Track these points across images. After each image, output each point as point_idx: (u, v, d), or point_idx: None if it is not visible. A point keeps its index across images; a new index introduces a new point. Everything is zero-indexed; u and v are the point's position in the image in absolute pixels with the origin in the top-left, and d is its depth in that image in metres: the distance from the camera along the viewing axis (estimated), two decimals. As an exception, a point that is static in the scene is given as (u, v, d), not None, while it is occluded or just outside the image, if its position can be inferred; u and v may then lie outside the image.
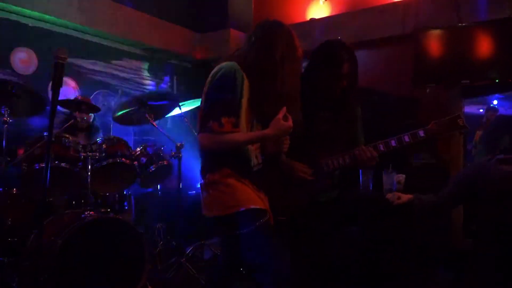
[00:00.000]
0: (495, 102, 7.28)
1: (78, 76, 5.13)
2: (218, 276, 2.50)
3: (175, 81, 6.37)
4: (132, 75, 5.77)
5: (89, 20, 5.05)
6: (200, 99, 2.27)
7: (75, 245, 2.97)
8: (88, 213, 3.19)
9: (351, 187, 3.24)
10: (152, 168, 3.97)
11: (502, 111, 6.82)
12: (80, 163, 3.45)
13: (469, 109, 6.53)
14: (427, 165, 4.06)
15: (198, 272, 3.90)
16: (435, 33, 4.38)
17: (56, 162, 3.33)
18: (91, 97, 5.20)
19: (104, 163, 3.54)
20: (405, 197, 2.81)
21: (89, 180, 3.40)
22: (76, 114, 4.07)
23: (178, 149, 4.21)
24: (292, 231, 2.61)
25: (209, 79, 2.23)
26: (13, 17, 4.55)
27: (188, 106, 4.48)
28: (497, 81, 4.12)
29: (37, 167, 3.31)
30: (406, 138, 2.56)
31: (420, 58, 4.38)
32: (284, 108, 2.19)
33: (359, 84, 2.73)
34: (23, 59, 4.63)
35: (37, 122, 4.30)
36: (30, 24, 4.69)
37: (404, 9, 4.90)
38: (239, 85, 2.13)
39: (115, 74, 5.55)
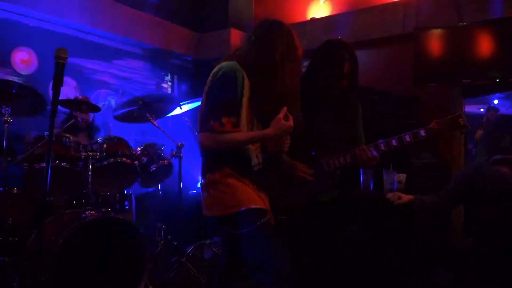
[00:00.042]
0: (495, 101, 7.26)
1: (79, 75, 5.13)
2: (219, 276, 2.50)
3: (175, 80, 6.36)
4: (133, 75, 5.77)
5: (89, 20, 5.06)
6: (201, 98, 2.27)
7: (75, 245, 2.97)
8: (88, 213, 3.19)
9: (351, 186, 3.24)
10: (153, 168, 3.97)
11: (503, 110, 6.80)
12: (80, 163, 3.45)
13: (470, 108, 6.52)
14: (428, 164, 4.06)
15: (199, 272, 3.90)
16: (436, 32, 4.38)
17: (57, 161, 3.33)
18: (92, 96, 5.20)
19: (105, 162, 3.54)
20: (406, 197, 2.81)
21: (89, 179, 3.40)
22: (77, 113, 4.07)
23: (179, 148, 4.21)
24: (292, 231, 2.61)
25: (209, 78, 2.23)
26: (14, 17, 4.55)
27: (188, 105, 4.48)
28: (497, 80, 4.11)
29: (38, 167, 3.32)
30: (407, 138, 2.56)
31: (421, 57, 4.37)
32: (285, 108, 2.18)
33: (360, 83, 2.73)
34: (24, 59, 4.63)
35: (38, 121, 4.31)
36: (30, 24, 4.69)
37: (404, 9, 4.90)
38: (240, 85, 2.13)
39: (116, 73, 5.56)
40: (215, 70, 2.22)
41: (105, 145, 3.57)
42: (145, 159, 3.97)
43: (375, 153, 2.57)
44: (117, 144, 3.68)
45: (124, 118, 4.18)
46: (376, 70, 4.88)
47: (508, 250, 2.36)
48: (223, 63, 2.20)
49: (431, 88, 4.51)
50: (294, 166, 2.61)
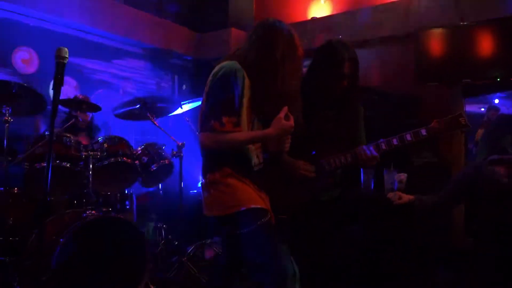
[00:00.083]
0: (496, 101, 7.26)
1: (79, 75, 5.13)
2: (219, 275, 2.50)
3: (176, 80, 6.36)
4: (133, 75, 5.77)
5: (90, 20, 5.06)
6: (201, 98, 2.27)
7: (76, 244, 2.97)
8: (89, 213, 3.20)
9: (352, 186, 3.24)
10: (154, 168, 3.97)
11: (503, 110, 6.79)
12: (81, 163, 3.45)
13: (471, 108, 6.51)
14: (429, 164, 4.06)
15: (199, 272, 3.90)
16: (437, 32, 4.38)
17: (58, 161, 3.33)
18: (92, 96, 5.20)
19: (106, 162, 3.54)
20: (406, 197, 2.81)
21: (90, 179, 3.40)
22: (77, 113, 4.07)
23: (180, 148, 4.21)
24: (293, 230, 2.61)
25: (210, 78, 2.23)
26: (15, 16, 4.55)
27: (189, 105, 4.48)
28: (498, 80, 4.11)
29: (39, 167, 3.32)
30: (408, 137, 2.56)
31: (422, 57, 4.38)
32: (286, 108, 2.18)
33: (360, 83, 2.73)
34: (24, 59, 4.63)
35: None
36: (31, 24, 4.69)
37: (405, 8, 4.90)
38: (240, 85, 2.13)
39: (116, 73, 5.56)
40: (215, 70, 2.22)
41: (105, 145, 3.57)
42: (145, 158, 3.97)
43: (375, 152, 2.56)
44: (117, 144, 3.67)
45: (125, 116, 4.19)
46: (376, 69, 4.88)
47: (508, 250, 2.36)
48: (224, 63, 2.20)
49: (432, 88, 4.52)
50: (295, 164, 2.61)
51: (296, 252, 2.24)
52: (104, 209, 3.49)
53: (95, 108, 3.89)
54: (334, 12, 5.69)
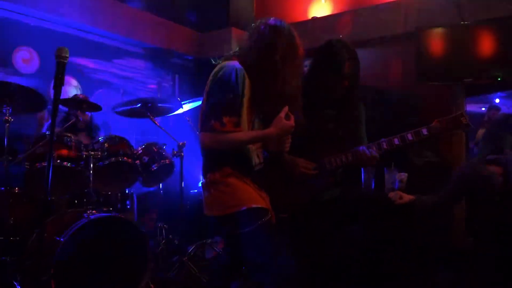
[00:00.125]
0: (497, 100, 7.26)
1: (80, 75, 5.13)
2: (219, 275, 2.50)
3: (176, 80, 6.36)
4: (134, 74, 5.77)
5: (90, 19, 5.06)
6: (202, 98, 2.27)
7: (77, 244, 2.97)
8: (90, 212, 3.20)
9: (353, 185, 3.24)
10: (154, 167, 3.97)
11: (504, 109, 6.79)
12: (82, 162, 3.45)
13: (471, 107, 6.51)
14: (430, 163, 4.06)
15: (200, 271, 3.90)
16: (438, 31, 4.38)
17: (58, 161, 3.34)
18: (93, 96, 5.20)
19: (106, 162, 3.54)
20: (407, 197, 2.81)
21: (91, 179, 3.40)
22: (78, 113, 4.08)
23: (180, 148, 4.21)
24: (293, 229, 2.61)
25: (210, 78, 2.23)
26: (15, 16, 4.55)
27: (190, 105, 4.48)
28: (499, 79, 4.11)
29: (39, 166, 3.32)
30: (410, 136, 2.56)
31: (423, 56, 4.38)
32: (286, 107, 2.18)
33: (361, 82, 2.73)
34: (25, 58, 4.63)
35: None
36: (31, 24, 4.69)
37: (405, 8, 4.90)
38: (241, 84, 2.13)
39: (117, 73, 5.56)
40: (216, 69, 2.22)
41: (106, 145, 3.57)
42: (146, 158, 3.97)
43: (375, 152, 2.57)
44: (118, 144, 3.67)
45: (125, 113, 4.19)
46: (377, 69, 4.88)
47: (508, 250, 2.36)
48: (224, 63, 2.21)
49: (432, 87, 4.52)
50: (296, 162, 2.61)
51: (296, 252, 2.24)
52: (104, 209, 3.49)
53: (96, 108, 3.90)
54: (335, 12, 5.69)
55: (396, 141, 2.57)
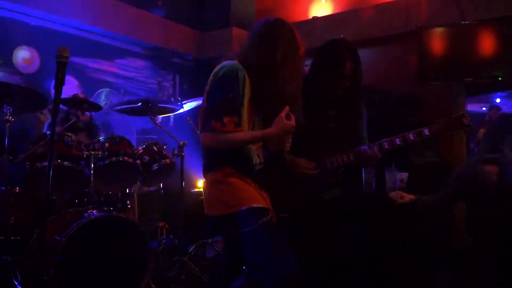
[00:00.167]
0: (498, 100, 7.26)
1: (81, 75, 5.13)
2: (219, 275, 2.50)
3: (177, 79, 6.37)
4: (135, 74, 5.77)
5: (91, 19, 5.06)
6: (202, 97, 2.27)
7: (78, 243, 2.97)
8: (91, 212, 3.20)
9: (353, 185, 3.24)
10: (155, 167, 3.97)
11: (505, 109, 6.79)
12: (82, 162, 3.46)
13: (472, 107, 6.51)
14: (430, 163, 4.06)
15: (201, 271, 3.90)
16: (438, 31, 4.38)
17: (59, 160, 3.34)
18: (94, 95, 5.20)
19: (107, 161, 3.54)
20: (408, 197, 2.81)
21: (91, 178, 3.41)
22: (78, 112, 4.08)
23: (181, 147, 4.21)
24: (293, 229, 2.61)
25: (211, 78, 2.23)
26: (16, 15, 4.55)
27: (190, 104, 4.49)
28: (500, 79, 4.11)
29: (40, 166, 3.32)
30: (411, 137, 2.56)
31: (424, 56, 4.38)
32: (287, 107, 2.18)
33: (362, 82, 2.73)
34: (26, 58, 4.63)
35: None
36: (32, 23, 4.69)
37: (406, 7, 4.90)
38: (241, 84, 2.13)
39: (118, 73, 5.56)
40: (216, 69, 2.22)
41: (107, 144, 3.57)
42: (147, 158, 3.98)
43: (377, 152, 2.57)
44: (119, 143, 3.68)
45: (125, 111, 4.20)
46: (378, 68, 4.88)
47: (508, 250, 2.36)
48: (225, 62, 2.20)
49: (433, 87, 4.51)
50: (296, 162, 2.61)
51: (296, 252, 2.23)
52: (105, 208, 3.49)
53: (96, 108, 3.90)
54: (335, 11, 5.69)
55: (397, 141, 2.58)
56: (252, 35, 2.27)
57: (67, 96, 4.12)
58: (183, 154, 4.21)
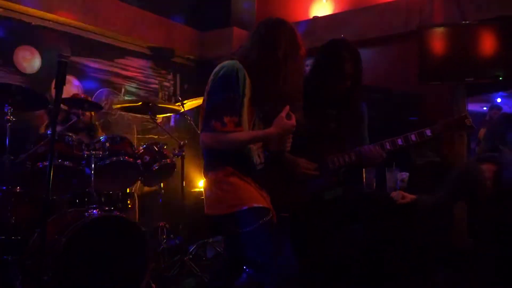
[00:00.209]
0: (498, 100, 7.25)
1: (81, 74, 5.13)
2: (220, 275, 2.51)
3: (178, 79, 6.36)
4: (135, 74, 5.76)
5: (92, 19, 5.06)
6: (203, 97, 2.27)
7: (78, 243, 2.98)
8: (91, 211, 3.20)
9: (354, 185, 3.24)
10: (155, 167, 3.98)
11: (505, 109, 6.78)
12: (83, 162, 3.46)
13: (473, 107, 6.51)
14: (431, 163, 4.05)
15: (201, 271, 3.91)
16: (439, 31, 4.37)
17: (60, 160, 3.34)
18: (94, 95, 5.20)
19: (108, 161, 3.55)
20: (409, 197, 2.81)
21: (92, 178, 3.41)
22: (79, 112, 4.08)
23: (181, 147, 4.21)
24: (294, 229, 2.61)
25: (211, 77, 2.23)
26: (16, 15, 4.55)
27: (191, 104, 4.49)
28: (500, 79, 4.11)
29: (41, 166, 3.33)
30: (413, 137, 2.56)
31: (424, 56, 4.37)
32: (287, 107, 2.18)
33: (363, 82, 2.73)
34: (27, 58, 4.63)
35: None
36: (33, 23, 4.69)
37: (406, 7, 4.89)
38: (241, 84, 2.13)
39: (118, 72, 5.55)
40: (216, 69, 2.22)
41: (107, 144, 3.58)
42: (147, 157, 3.98)
43: (380, 150, 2.56)
44: (119, 143, 3.69)
45: (126, 109, 4.21)
46: (379, 68, 4.87)
47: (508, 250, 2.36)
48: (225, 62, 2.20)
49: (434, 86, 4.51)
50: (297, 162, 2.60)
51: (296, 252, 2.24)
52: (106, 208, 3.49)
53: (97, 107, 3.90)
54: (336, 11, 5.68)
55: (399, 141, 2.57)
56: (253, 35, 2.27)
57: (67, 96, 4.12)
58: (184, 154, 4.21)
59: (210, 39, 6.34)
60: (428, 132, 2.54)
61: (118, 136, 3.74)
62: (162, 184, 4.53)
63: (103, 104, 4.89)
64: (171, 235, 4.36)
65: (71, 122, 3.93)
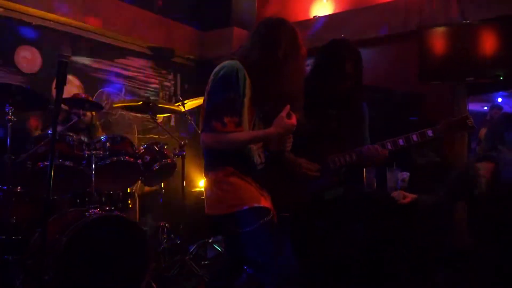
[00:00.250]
0: (499, 99, 7.24)
1: (82, 74, 5.13)
2: (220, 275, 2.51)
3: (178, 79, 6.36)
4: (136, 74, 5.76)
5: (92, 19, 5.06)
6: (203, 97, 2.28)
7: (79, 243, 2.98)
8: (92, 211, 3.21)
9: (354, 185, 3.24)
10: (156, 167, 3.98)
11: (506, 108, 6.77)
12: (84, 162, 3.46)
13: (473, 106, 6.50)
14: (431, 163, 4.05)
15: (202, 271, 3.91)
16: (439, 30, 4.37)
17: (60, 160, 3.35)
18: (95, 95, 5.20)
19: (108, 161, 3.55)
20: (410, 196, 2.81)
21: (93, 178, 3.42)
22: (80, 112, 4.08)
23: (182, 147, 4.22)
24: (294, 229, 2.61)
25: (211, 77, 2.22)
26: (17, 15, 4.55)
27: (191, 104, 4.49)
28: (501, 78, 4.11)
29: (42, 165, 3.33)
30: (415, 138, 2.56)
31: (425, 55, 4.37)
32: (288, 107, 2.18)
33: (364, 81, 2.73)
34: (27, 58, 4.63)
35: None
36: (33, 23, 4.70)
37: (406, 7, 4.89)
38: (241, 84, 2.12)
39: (119, 72, 5.55)
40: (216, 69, 2.22)
41: (108, 144, 3.58)
42: (148, 157, 3.99)
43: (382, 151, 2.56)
44: (120, 143, 3.69)
45: (126, 108, 4.21)
46: (379, 68, 4.87)
47: (508, 250, 2.36)
48: (225, 62, 2.20)
49: (434, 86, 4.51)
50: (297, 162, 2.60)
51: (296, 252, 2.24)
52: (106, 208, 3.49)
53: (97, 107, 3.90)
54: (337, 11, 5.68)
55: (401, 141, 2.57)
56: (253, 35, 2.27)
57: (68, 96, 4.13)
58: (184, 153, 4.21)
59: (210, 39, 6.34)
60: (430, 133, 2.54)
61: (118, 136, 3.74)
62: (162, 184, 4.54)
63: (103, 104, 4.88)
64: (172, 235, 4.36)
65: (72, 122, 3.93)
